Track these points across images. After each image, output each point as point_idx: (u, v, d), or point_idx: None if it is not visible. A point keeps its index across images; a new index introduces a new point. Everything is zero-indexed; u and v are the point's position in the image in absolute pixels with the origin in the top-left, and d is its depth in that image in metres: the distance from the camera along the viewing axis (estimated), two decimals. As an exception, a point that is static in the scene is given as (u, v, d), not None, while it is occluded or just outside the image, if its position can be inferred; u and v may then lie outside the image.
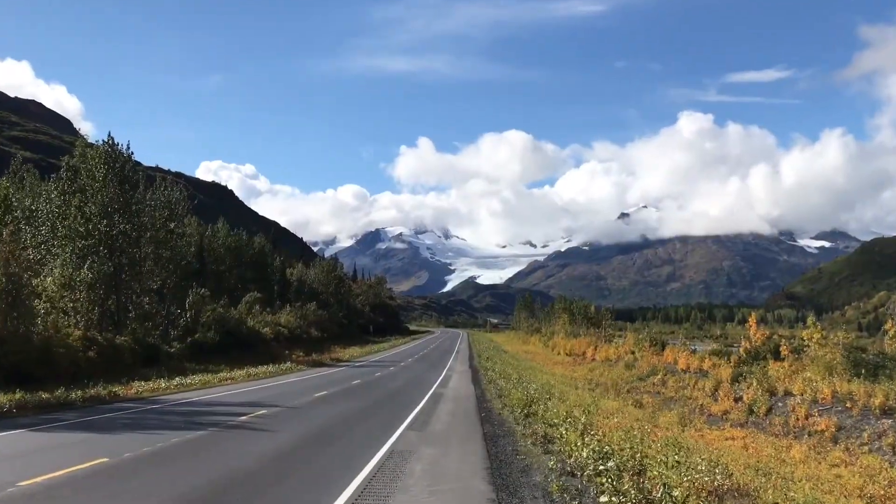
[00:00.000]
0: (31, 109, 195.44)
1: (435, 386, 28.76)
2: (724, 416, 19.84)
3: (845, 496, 10.57)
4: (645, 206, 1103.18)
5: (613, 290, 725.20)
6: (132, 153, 35.90)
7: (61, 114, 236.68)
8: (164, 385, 25.55)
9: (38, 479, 9.49)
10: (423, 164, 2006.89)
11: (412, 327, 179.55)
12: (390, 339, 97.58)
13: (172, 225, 40.05)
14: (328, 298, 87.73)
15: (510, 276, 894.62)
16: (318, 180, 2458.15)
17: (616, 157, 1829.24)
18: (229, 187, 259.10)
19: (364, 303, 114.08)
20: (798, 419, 16.79)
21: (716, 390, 22.55)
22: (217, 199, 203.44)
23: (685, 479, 8.98)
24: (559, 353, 56.95)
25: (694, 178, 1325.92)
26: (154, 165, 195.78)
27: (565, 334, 64.64)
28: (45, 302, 29.31)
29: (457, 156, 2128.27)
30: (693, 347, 33.58)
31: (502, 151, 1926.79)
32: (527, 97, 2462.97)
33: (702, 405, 21.81)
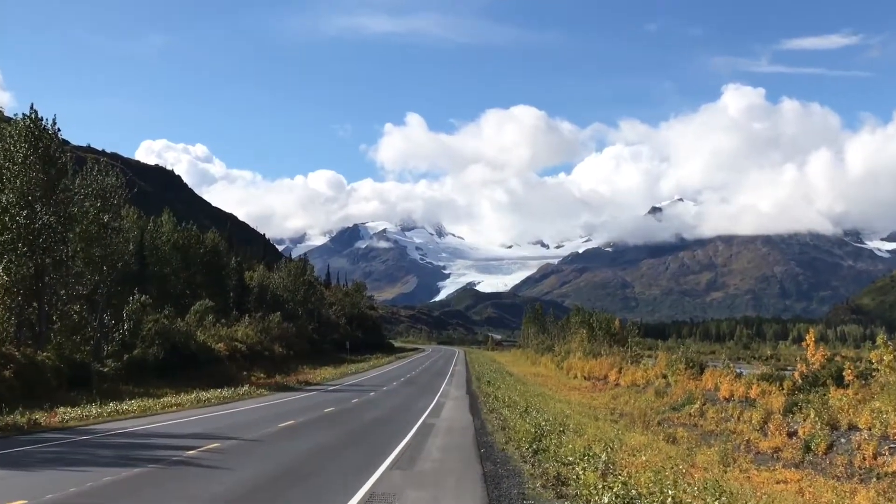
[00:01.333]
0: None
1: (425, 415, 28.76)
2: (774, 455, 19.96)
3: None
4: (680, 199, 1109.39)
5: (642, 300, 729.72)
6: (59, 130, 35.66)
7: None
8: (95, 412, 25.56)
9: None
10: (412, 145, 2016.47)
11: (397, 344, 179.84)
12: (371, 357, 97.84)
13: (106, 217, 39.76)
14: (296, 308, 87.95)
15: (517, 282, 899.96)
16: (285, 165, 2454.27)
17: (646, 139, 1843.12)
18: (176, 172, 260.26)
19: (339, 314, 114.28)
20: (865, 459, 16.90)
21: (765, 423, 22.67)
22: (162, 187, 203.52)
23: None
24: (575, 377, 57.43)
25: (740, 166, 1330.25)
26: (85, 145, 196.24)
27: (583, 354, 65.02)
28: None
29: (453, 136, 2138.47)
30: (738, 370, 33.68)
31: (508, 131, 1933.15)
32: (538, 66, 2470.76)
33: (748, 441, 21.93)
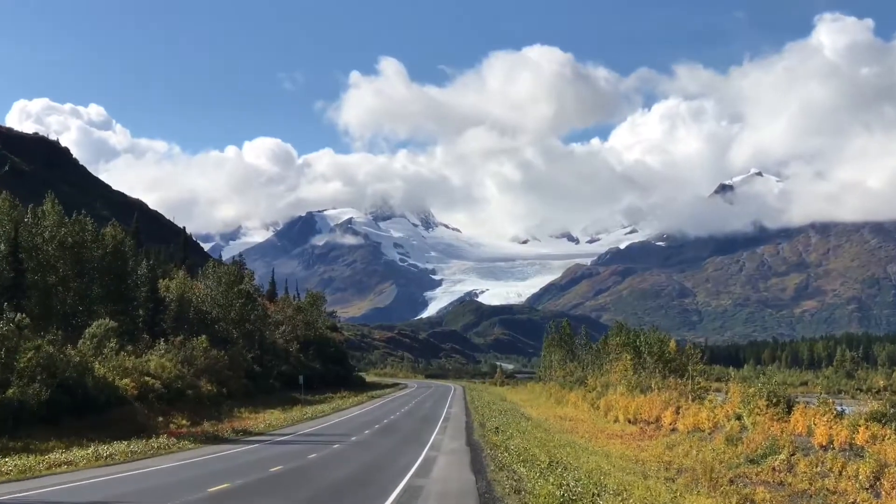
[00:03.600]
0: None
1: (409, 475, 28.82)
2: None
3: None
4: (759, 174, 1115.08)
5: (707, 313, 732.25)
6: None
7: None
8: (-47, 475, 25.54)
9: None
10: (387, 103, 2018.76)
11: (370, 378, 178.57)
12: (333, 397, 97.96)
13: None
14: (229, 330, 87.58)
15: (535, 291, 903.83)
16: (211, 132, 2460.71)
17: (712, 90, 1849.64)
18: (63, 143, 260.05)
19: (289, 337, 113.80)
20: None
21: (877, 479, 22.76)
22: (43, 164, 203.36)
23: None
24: (616, 420, 57.48)
25: (841, 128, 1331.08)
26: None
27: (627, 388, 65.03)
28: None
29: (445, 89, 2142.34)
30: (840, 408, 33.68)
31: (521, 82, 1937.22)
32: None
33: (854, 504, 21.87)
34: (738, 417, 38.29)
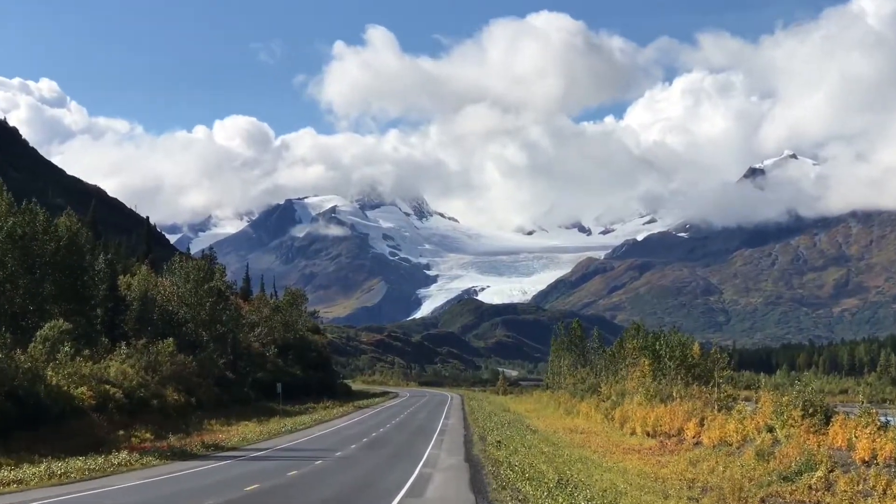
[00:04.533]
0: None
1: (401, 495, 28.92)
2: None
3: None
4: (793, 156, 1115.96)
5: (735, 312, 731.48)
6: None
7: None
8: None
9: None
10: (375, 77, 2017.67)
11: (356, 386, 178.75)
12: (315, 407, 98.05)
13: None
14: (198, 332, 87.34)
15: (541, 288, 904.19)
16: (178, 111, 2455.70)
17: (741, 62, 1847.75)
18: (10, 123, 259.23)
19: (266, 340, 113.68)
20: None
21: (926, 498, 22.65)
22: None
23: None
24: (633, 432, 57.59)
25: (886, 104, 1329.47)
26: None
27: (645, 397, 64.65)
28: None
29: (440, 62, 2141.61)
30: (884, 418, 33.51)
31: (526, 54, 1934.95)
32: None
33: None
34: (770, 430, 38.10)
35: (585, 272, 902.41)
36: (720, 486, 31.19)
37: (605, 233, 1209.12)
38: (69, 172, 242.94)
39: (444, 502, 27.33)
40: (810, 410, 36.85)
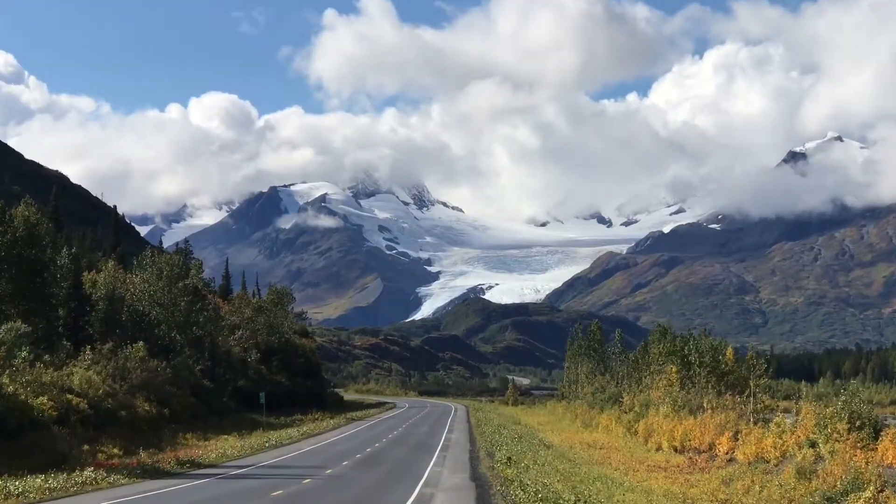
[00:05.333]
0: None
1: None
2: None
3: None
4: (839, 139, 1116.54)
5: (773, 313, 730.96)
6: None
7: None
8: None
9: None
10: (371, 49, 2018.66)
11: (349, 396, 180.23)
12: (304, 419, 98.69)
13: None
14: (172, 335, 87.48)
15: (556, 286, 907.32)
16: (150, 87, 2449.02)
17: (779, 32, 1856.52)
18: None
19: (248, 344, 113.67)
20: None
21: None
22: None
23: None
24: (659, 448, 58.30)
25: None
26: None
27: (672, 408, 65.42)
28: None
29: (443, 32, 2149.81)
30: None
31: (540, 22, 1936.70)
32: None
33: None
34: (813, 445, 38.54)
35: (606, 268, 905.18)
36: (756, 508, 31.00)
37: (627, 224, 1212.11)
38: (27, 156, 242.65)
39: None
40: (857, 423, 37.28)
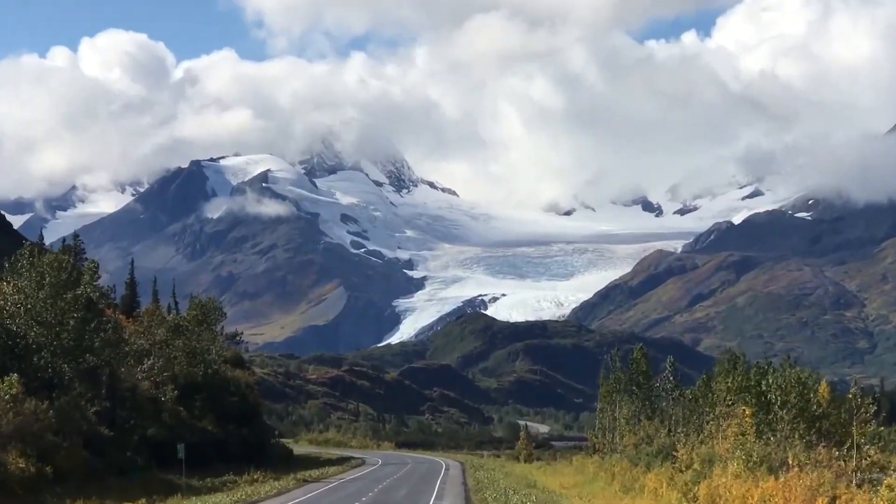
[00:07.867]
0: None
1: None
2: None
3: None
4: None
5: (883, 334, 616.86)
6: None
7: None
8: None
9: None
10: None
11: (300, 448, 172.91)
12: (237, 480, 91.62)
13: None
14: (57, 365, 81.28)
15: (587, 297, 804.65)
16: (24, 25, 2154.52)
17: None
18: None
19: (161, 377, 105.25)
20: None
21: None
22: None
23: None
24: (725, 523, 54.75)
25: None
26: None
27: (745, 464, 60.55)
28: None
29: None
30: None
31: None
32: None
33: None
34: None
35: (653, 273, 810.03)
36: None
37: (683, 212, 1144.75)
38: None
39: None
40: None
